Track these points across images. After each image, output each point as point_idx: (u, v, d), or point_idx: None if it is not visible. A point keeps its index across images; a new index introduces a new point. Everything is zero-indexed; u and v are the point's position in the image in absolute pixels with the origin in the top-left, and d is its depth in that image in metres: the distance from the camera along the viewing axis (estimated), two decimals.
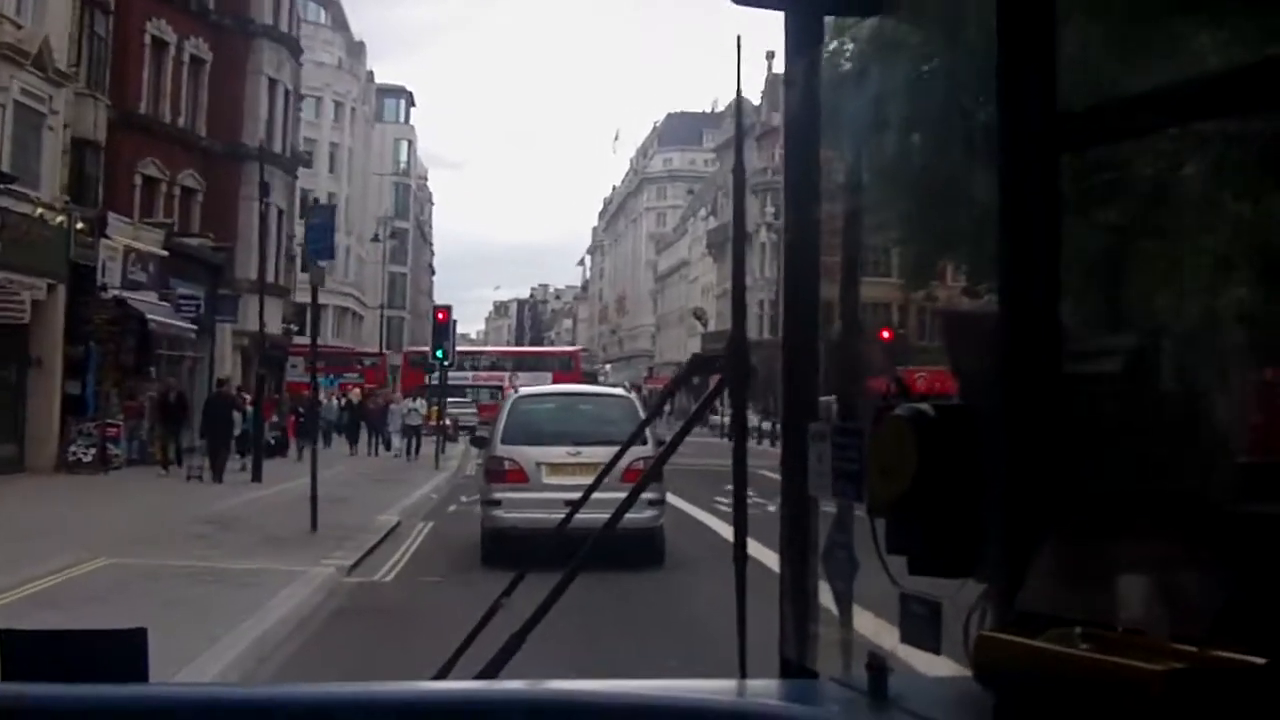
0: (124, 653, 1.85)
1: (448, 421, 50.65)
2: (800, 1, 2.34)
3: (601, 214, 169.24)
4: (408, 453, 41.62)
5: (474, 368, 71.41)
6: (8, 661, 1.80)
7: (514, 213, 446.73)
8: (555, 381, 45.49)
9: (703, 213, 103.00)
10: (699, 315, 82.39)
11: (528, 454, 16.19)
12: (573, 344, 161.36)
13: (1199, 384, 1.94)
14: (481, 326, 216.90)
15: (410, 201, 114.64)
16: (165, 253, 36.56)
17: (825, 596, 2.33)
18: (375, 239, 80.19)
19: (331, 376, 65.80)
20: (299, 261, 74.55)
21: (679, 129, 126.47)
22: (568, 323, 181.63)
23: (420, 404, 44.89)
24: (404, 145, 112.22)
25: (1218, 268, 1.99)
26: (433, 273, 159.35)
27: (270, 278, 44.38)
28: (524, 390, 21.94)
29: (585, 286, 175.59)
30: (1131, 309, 2.11)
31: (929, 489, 1.90)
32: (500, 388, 53.12)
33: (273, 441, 38.06)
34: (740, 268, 2.96)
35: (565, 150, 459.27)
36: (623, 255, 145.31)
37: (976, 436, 1.93)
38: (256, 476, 28.92)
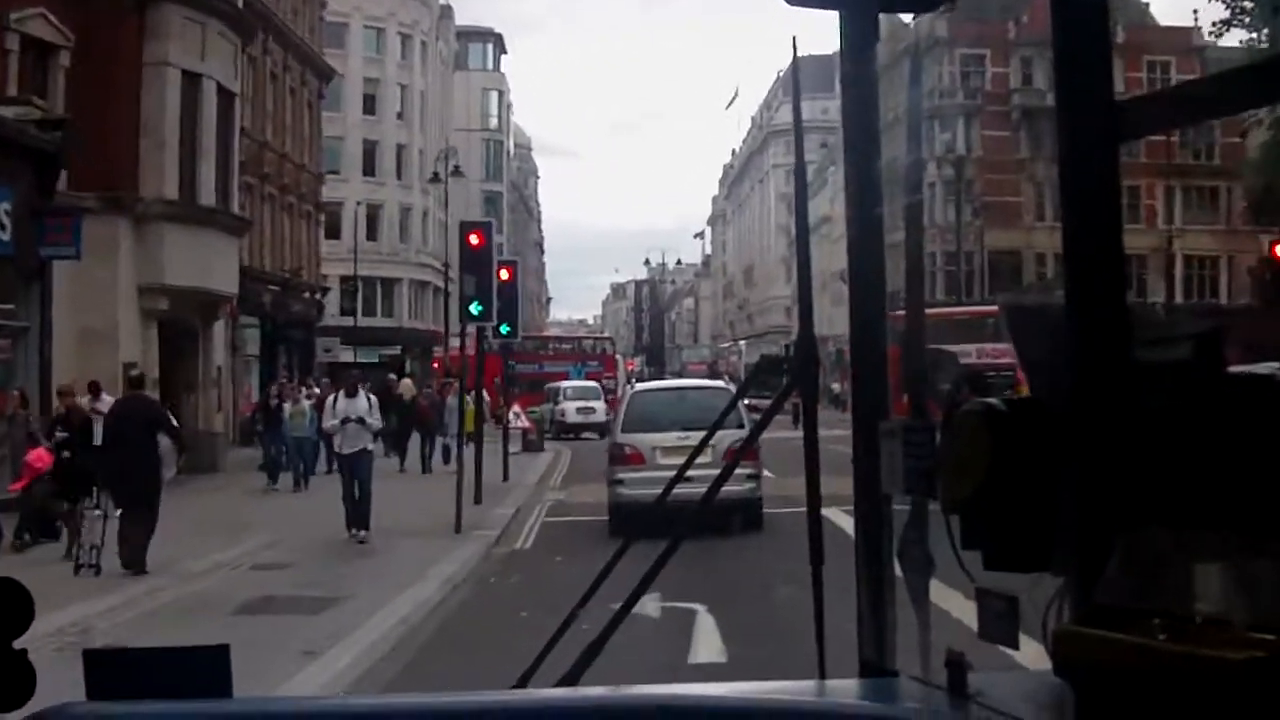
0: (207, 669, 1.88)
1: (523, 422, 37.39)
2: (855, 2, 2.34)
3: (722, 181, 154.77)
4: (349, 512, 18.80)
5: None
6: (92, 680, 1.83)
7: (629, 198, 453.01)
8: None
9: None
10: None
11: (644, 440, 18.72)
12: (695, 324, 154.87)
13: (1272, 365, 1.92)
14: (598, 311, 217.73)
15: (505, 164, 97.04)
16: None
17: (902, 594, 2.33)
18: (435, 178, 56.10)
19: (579, 366, 58.73)
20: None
21: (806, 75, 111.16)
22: (689, 302, 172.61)
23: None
24: (493, 96, 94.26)
25: None
26: (541, 252, 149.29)
27: (208, 199, 29.14)
28: (639, 386, 25.90)
29: (706, 262, 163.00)
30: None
31: (1003, 484, 1.90)
32: None
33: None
34: (805, 267, 2.95)
35: (679, 131, 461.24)
36: (748, 222, 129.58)
37: (1049, 429, 1.92)
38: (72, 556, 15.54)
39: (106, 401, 18.57)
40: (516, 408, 37.35)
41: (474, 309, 20.93)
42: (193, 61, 28.67)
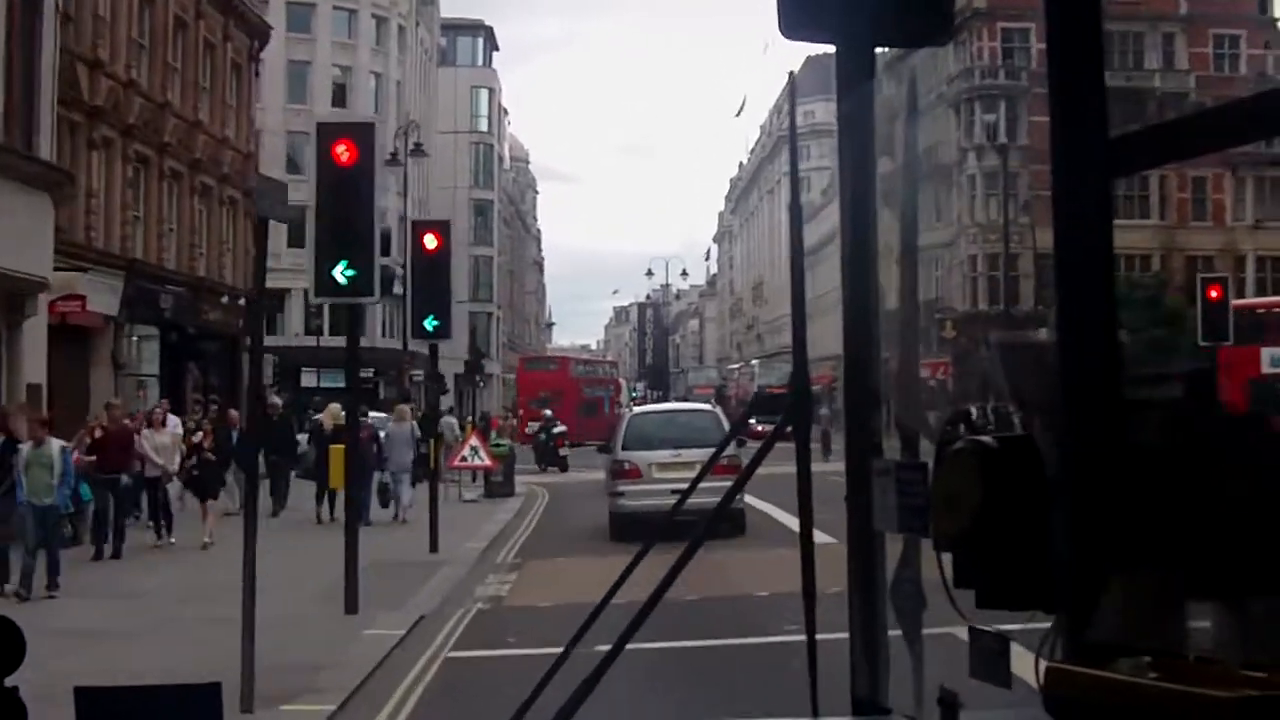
0: (198, 706, 1.87)
1: (482, 458, 27.76)
2: (850, 35, 2.35)
3: (728, 195, 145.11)
4: None
5: None
6: (84, 718, 1.82)
7: (631, 223, 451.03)
8: None
9: None
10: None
11: (642, 456, 20.49)
12: (700, 347, 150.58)
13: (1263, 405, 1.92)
14: (601, 336, 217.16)
15: (496, 169, 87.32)
16: None
17: (895, 632, 2.31)
18: (392, 159, 44.53)
19: (607, 390, 63.08)
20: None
21: (819, 76, 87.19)
22: (694, 324, 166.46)
23: None
24: (483, 95, 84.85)
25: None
26: (541, 272, 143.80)
27: None
28: (636, 410, 27.56)
29: (712, 281, 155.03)
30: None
31: (995, 521, 1.89)
32: None
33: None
34: (800, 295, 2.94)
35: (682, 154, 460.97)
36: (757, 236, 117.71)
37: (1041, 467, 1.92)
38: None
39: None
40: (474, 441, 28.85)
41: (340, 273, 12.08)
42: None
